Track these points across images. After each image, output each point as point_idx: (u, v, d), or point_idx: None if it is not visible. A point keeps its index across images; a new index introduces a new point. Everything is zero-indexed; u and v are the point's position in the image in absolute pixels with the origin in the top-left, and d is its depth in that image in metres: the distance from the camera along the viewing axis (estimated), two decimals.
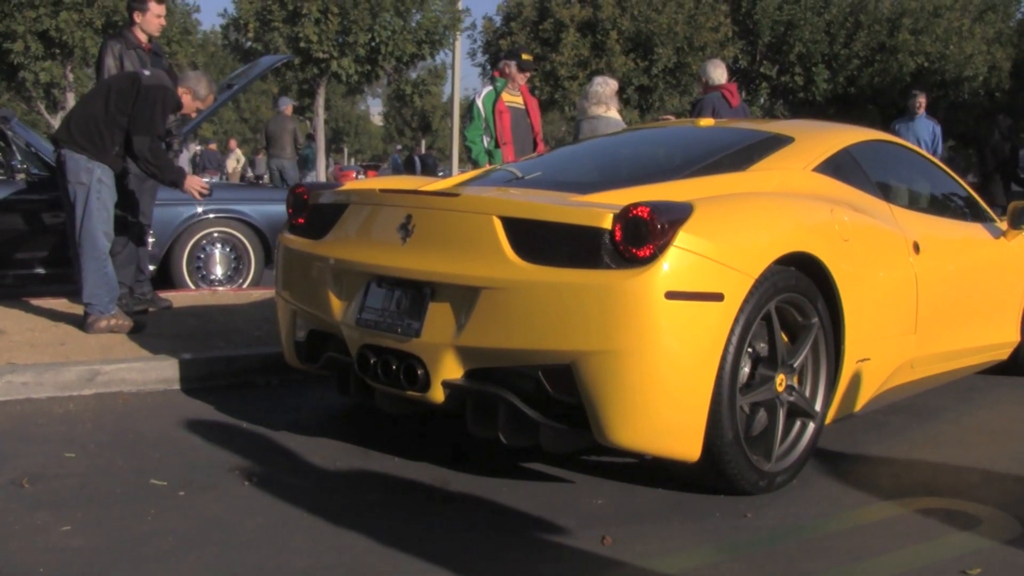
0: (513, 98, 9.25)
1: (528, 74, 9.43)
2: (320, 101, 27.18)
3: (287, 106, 18.62)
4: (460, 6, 28.17)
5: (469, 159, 9.30)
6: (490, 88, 9.33)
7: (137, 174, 7.11)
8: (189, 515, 3.80)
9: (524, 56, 9.38)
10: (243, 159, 30.49)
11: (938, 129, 12.91)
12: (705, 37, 28.41)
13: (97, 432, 4.87)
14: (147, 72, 6.76)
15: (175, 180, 6.77)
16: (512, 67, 9.28)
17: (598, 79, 9.62)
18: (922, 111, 12.80)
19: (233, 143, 31.75)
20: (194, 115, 7.48)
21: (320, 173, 26.22)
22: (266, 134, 18.51)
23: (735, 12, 31.01)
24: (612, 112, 9.23)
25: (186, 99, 6.87)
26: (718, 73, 9.66)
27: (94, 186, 6.52)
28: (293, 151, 18.05)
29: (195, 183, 6.89)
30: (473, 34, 32.37)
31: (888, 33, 31.54)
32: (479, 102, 9.23)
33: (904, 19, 31.47)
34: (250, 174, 27.64)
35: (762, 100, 32.77)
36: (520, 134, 9.22)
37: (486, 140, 9.13)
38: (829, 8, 31.71)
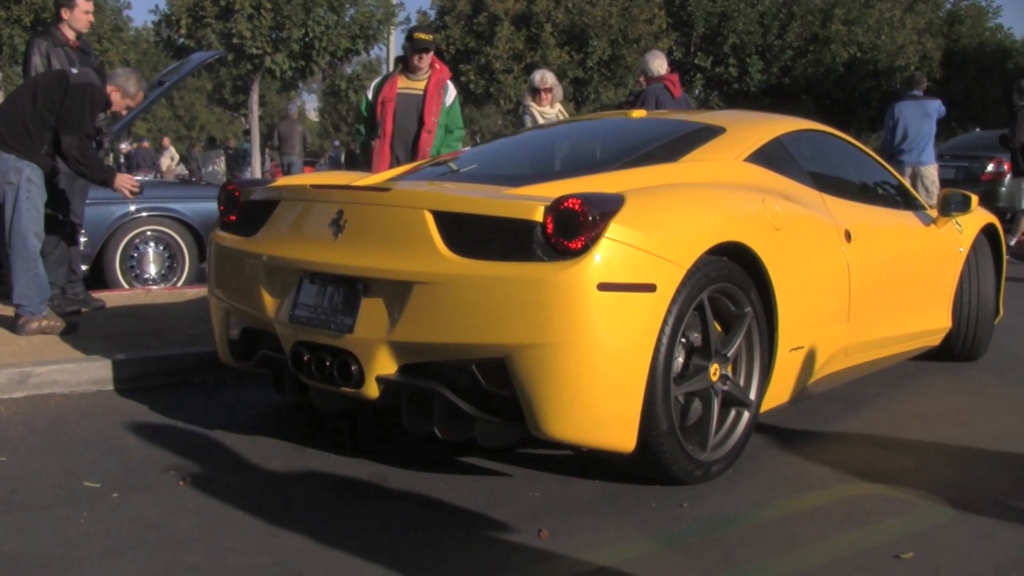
0: (411, 84, 8.41)
1: (423, 54, 8.34)
2: (254, 97, 26.97)
3: (296, 111, 21.94)
4: (394, 0, 28.08)
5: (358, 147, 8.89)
6: (386, 74, 8.81)
7: (67, 173, 7.02)
8: (123, 517, 3.76)
9: (416, 35, 8.44)
10: (177, 156, 30.23)
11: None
12: (639, 29, 28.50)
13: (29, 435, 4.80)
14: (75, 70, 6.67)
15: (105, 179, 6.70)
16: (407, 48, 8.48)
17: (536, 72, 9.57)
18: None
19: (167, 141, 31.49)
20: (124, 113, 7.38)
21: (255, 169, 26.05)
22: (278, 135, 21.56)
23: (669, 4, 31.14)
24: (544, 105, 9.16)
25: (115, 97, 6.78)
26: (658, 64, 9.66)
27: (23, 185, 6.42)
28: (302, 150, 20.91)
29: (126, 181, 6.81)
30: (407, 28, 32.31)
31: (821, 24, 31.82)
32: (369, 91, 8.61)
33: (836, 9, 31.76)
34: (201, 171, 27.83)
35: (697, 91, 32.94)
36: (409, 124, 8.37)
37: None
38: None
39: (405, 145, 8.33)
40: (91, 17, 7.41)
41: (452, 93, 8.55)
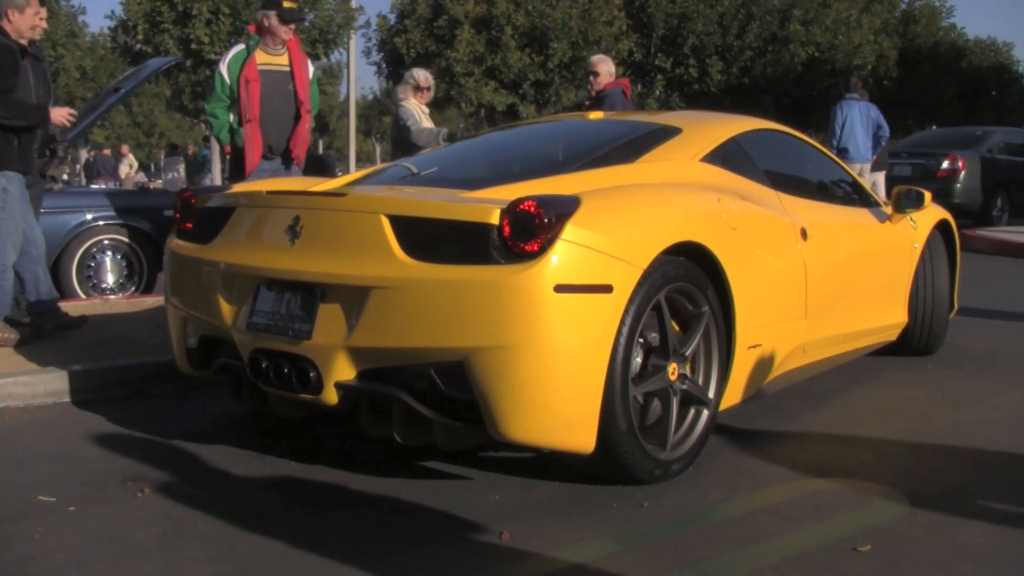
0: (272, 59, 7.73)
1: (292, 27, 7.76)
2: None
3: None
4: (353, 4, 28.06)
5: (213, 136, 8.29)
6: (240, 47, 7.86)
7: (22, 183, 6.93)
8: (80, 530, 3.72)
9: (286, 3, 7.64)
10: (136, 164, 30.07)
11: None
12: (600, 31, 28.64)
13: None
14: None
15: (40, 117, 6.50)
16: (272, 18, 7.68)
17: (419, 71, 9.43)
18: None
19: (125, 148, 31.33)
20: (38, 28, 6.88)
21: (216, 176, 25.95)
22: None
23: (629, 6, 31.29)
24: (407, 102, 9.06)
25: (15, 18, 6.44)
26: (613, 68, 9.87)
27: None
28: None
29: (61, 112, 6.62)
30: (368, 32, 32.37)
31: (779, 24, 32.09)
32: (223, 67, 7.74)
33: (794, 10, 32.06)
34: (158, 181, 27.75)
35: (657, 92, 33.11)
36: (277, 105, 7.77)
37: (232, 115, 7.77)
38: (721, 0, 32.13)
39: (279, 127, 7.86)
40: (43, 22, 7.32)
41: (311, 69, 8.09)
